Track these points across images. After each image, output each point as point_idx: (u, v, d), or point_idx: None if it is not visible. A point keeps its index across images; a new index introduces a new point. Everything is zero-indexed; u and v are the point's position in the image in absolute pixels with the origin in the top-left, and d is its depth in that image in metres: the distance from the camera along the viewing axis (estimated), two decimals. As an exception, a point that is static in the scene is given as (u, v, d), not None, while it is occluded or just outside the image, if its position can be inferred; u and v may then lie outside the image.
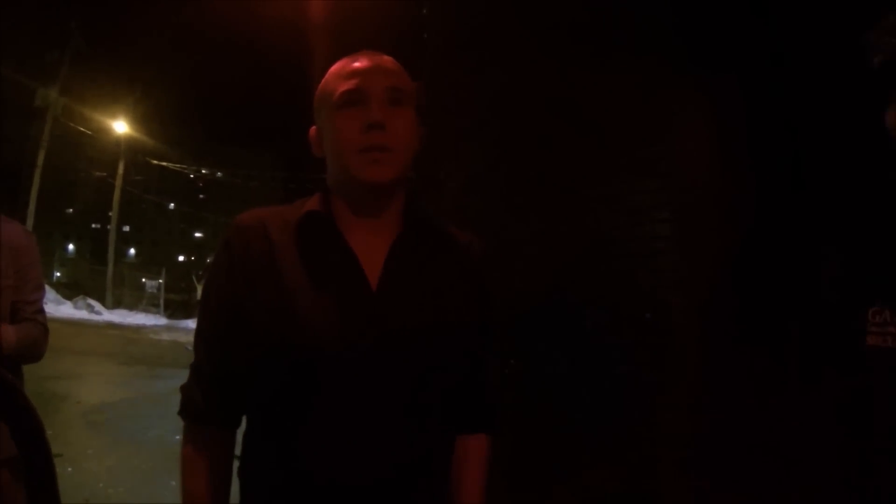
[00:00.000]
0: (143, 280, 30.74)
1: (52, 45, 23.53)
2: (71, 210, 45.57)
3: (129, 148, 27.77)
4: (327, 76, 1.06)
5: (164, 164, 32.04)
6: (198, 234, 52.40)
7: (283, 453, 0.95)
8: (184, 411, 1.04)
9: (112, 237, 28.69)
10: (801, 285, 2.06)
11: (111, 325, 20.19)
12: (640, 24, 2.73)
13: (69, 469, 4.68)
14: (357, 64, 1.02)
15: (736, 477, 2.14)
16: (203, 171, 41.02)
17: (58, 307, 21.62)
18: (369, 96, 0.99)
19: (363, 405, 0.93)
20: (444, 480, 1.04)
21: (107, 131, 27.03)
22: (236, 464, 1.05)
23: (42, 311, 2.01)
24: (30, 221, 20.96)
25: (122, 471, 4.82)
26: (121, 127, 26.66)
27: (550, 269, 3.04)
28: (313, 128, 1.09)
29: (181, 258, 50.44)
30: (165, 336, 18.06)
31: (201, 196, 50.76)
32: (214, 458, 1.01)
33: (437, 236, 1.08)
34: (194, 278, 28.85)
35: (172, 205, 47.18)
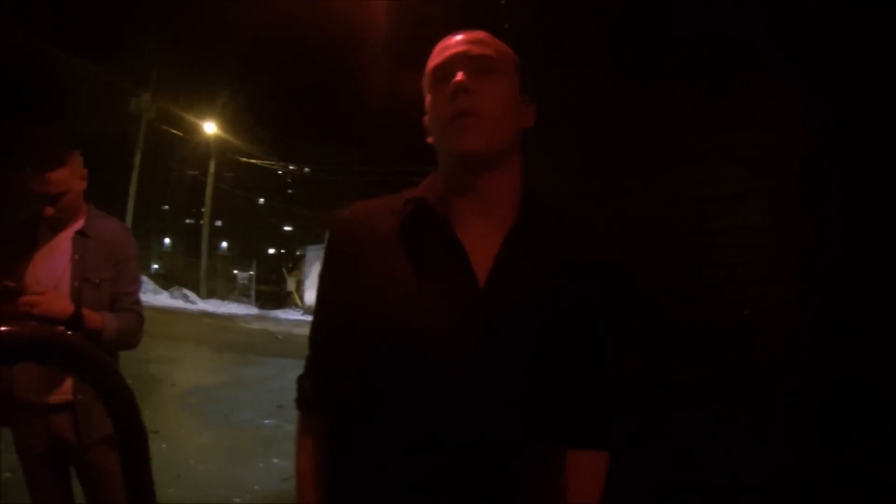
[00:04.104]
0: (235, 272, 32.12)
1: (143, 55, 25.09)
2: (166, 207, 48.03)
3: (219, 147, 29.03)
4: (427, 62, 1.04)
5: (253, 161, 33.26)
6: (287, 228, 54.09)
7: (377, 443, 0.92)
8: (297, 401, 1.07)
9: (205, 231, 30.03)
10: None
11: (205, 314, 21.13)
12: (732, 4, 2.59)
13: (163, 445, 4.94)
14: (447, 41, 1.01)
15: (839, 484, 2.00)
16: (290, 168, 42.25)
17: (155, 296, 22.95)
18: (456, 65, 0.96)
19: (461, 404, 0.88)
20: (545, 492, 0.97)
21: (197, 132, 28.36)
22: None
23: (139, 301, 2.13)
24: (128, 218, 22.27)
25: (211, 450, 5.04)
26: (210, 128, 27.94)
27: (633, 262, 2.94)
28: (425, 117, 1.06)
29: (271, 251, 52.16)
30: (256, 325, 18.65)
31: (290, 191, 52.35)
32: (322, 444, 1.03)
33: (557, 229, 0.99)
34: (284, 271, 29.87)
35: (262, 200, 48.95)
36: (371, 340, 0.93)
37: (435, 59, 1.00)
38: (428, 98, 1.01)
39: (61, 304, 1.83)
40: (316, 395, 1.04)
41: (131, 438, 0.62)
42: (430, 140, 1.04)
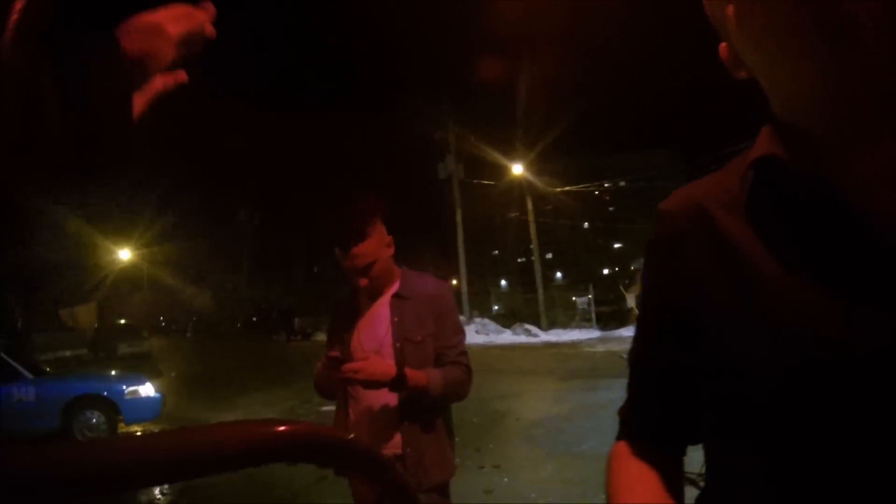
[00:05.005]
0: (573, 298, 32.77)
1: (445, 123, 28.17)
2: (496, 252, 51.97)
3: (531, 184, 30.39)
4: None
5: (567, 188, 34.02)
6: (616, 245, 54.08)
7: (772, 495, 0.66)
8: (620, 433, 0.92)
9: (537, 266, 31.32)
10: None
11: (547, 345, 21.75)
12: None
13: (505, 479, 5.06)
14: None
15: None
16: (605, 185, 42.01)
17: (498, 335, 24.68)
18: None
19: (882, 438, 0.59)
20: None
21: (507, 175, 30.22)
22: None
23: (464, 353, 2.17)
24: (462, 268, 24.47)
25: (554, 482, 5.01)
26: (518, 169, 29.54)
27: None
28: (722, 44, 0.76)
29: (605, 271, 52.59)
30: (600, 347, 18.56)
31: (610, 209, 52.33)
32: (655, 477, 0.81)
33: None
34: (622, 287, 29.55)
35: (586, 224, 49.79)
36: (747, 363, 0.67)
37: None
38: (730, 8, 0.66)
39: (383, 366, 1.96)
40: (643, 426, 0.87)
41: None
42: (742, 74, 0.71)
